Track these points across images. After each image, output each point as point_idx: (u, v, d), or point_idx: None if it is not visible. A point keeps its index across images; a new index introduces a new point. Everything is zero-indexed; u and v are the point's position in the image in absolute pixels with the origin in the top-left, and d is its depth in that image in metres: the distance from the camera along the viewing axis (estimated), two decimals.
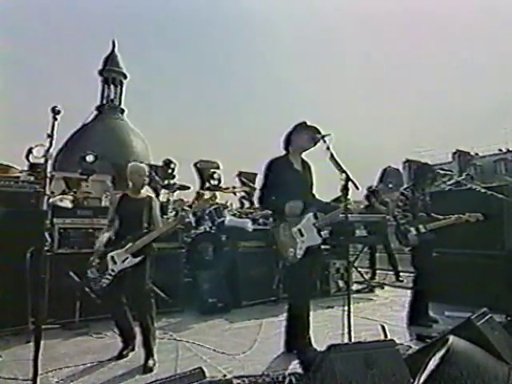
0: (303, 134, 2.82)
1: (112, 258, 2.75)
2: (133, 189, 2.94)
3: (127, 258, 2.73)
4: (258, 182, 6.91)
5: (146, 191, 3.12)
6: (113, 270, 2.73)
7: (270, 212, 3.10)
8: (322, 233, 2.87)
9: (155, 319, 2.81)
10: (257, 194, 2.86)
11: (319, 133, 2.76)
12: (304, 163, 2.94)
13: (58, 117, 2.27)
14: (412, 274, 6.33)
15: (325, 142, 2.58)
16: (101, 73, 26.65)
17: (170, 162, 6.24)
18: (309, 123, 2.83)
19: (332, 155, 2.50)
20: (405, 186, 3.88)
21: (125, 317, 2.84)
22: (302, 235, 2.73)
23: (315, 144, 2.83)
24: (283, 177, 2.76)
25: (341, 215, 2.74)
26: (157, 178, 5.77)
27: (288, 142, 2.90)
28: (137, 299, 2.76)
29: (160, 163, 6.26)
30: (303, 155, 2.97)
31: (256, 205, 6.39)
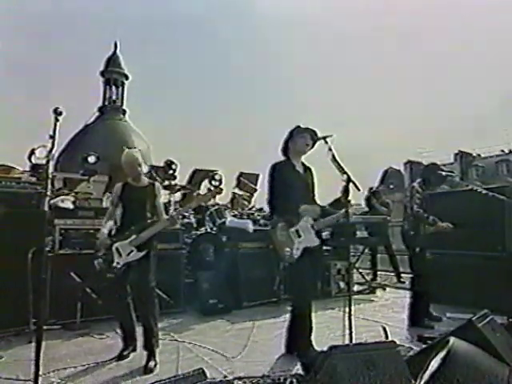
0: (298, 138, 2.87)
1: (117, 249, 2.75)
2: (131, 178, 2.92)
3: (132, 251, 2.72)
4: (261, 184, 6.93)
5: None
6: (118, 263, 2.73)
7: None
8: (323, 234, 2.89)
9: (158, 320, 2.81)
10: (267, 200, 2.88)
11: (315, 135, 2.81)
12: (305, 166, 2.99)
13: (60, 118, 2.28)
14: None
15: (326, 142, 2.59)
16: (102, 74, 26.69)
17: (172, 162, 6.24)
18: (303, 126, 2.87)
19: (334, 156, 2.51)
20: (417, 182, 3.71)
21: (128, 314, 2.83)
22: (299, 236, 2.75)
23: (313, 146, 2.89)
24: (286, 179, 2.80)
25: (342, 218, 2.76)
26: (158, 178, 5.77)
27: (286, 148, 2.95)
28: (140, 297, 2.75)
29: (162, 164, 6.27)
30: (303, 159, 3.00)
31: (260, 207, 6.41)
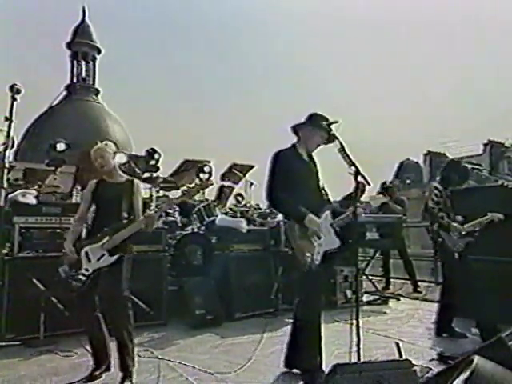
0: (314, 134, 2.87)
1: (86, 254, 2.74)
2: (106, 174, 2.92)
3: (103, 256, 2.72)
4: (257, 177, 6.92)
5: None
6: (87, 270, 2.72)
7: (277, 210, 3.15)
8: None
9: (134, 334, 2.80)
10: (265, 189, 2.86)
11: (332, 140, 2.78)
12: (309, 154, 3.01)
13: (18, 97, 2.25)
14: (431, 284, 6.38)
15: (330, 130, 2.59)
16: (69, 46, 26.12)
17: (154, 151, 6.21)
18: (327, 124, 2.84)
19: (342, 146, 2.51)
20: (436, 180, 3.81)
21: (98, 328, 2.82)
22: (319, 237, 2.73)
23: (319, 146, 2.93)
24: (294, 169, 2.80)
25: (350, 215, 2.76)
26: (137, 170, 5.74)
27: (297, 131, 2.96)
28: (112, 308, 2.74)
29: (142, 153, 6.24)
30: None
31: (264, 202, 6.39)
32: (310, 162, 2.97)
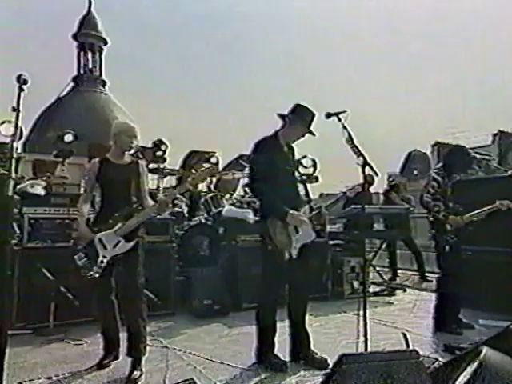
0: (294, 128, 2.86)
1: (101, 241, 2.68)
2: (116, 153, 2.82)
3: (119, 242, 2.68)
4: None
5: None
6: (104, 257, 2.66)
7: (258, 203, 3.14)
8: (335, 227, 2.92)
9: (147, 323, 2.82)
10: (247, 178, 2.88)
11: (312, 132, 2.87)
12: (289, 145, 2.98)
13: (25, 87, 2.23)
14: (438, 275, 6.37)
15: (339, 120, 2.57)
16: (75, 37, 26.04)
17: (161, 142, 6.21)
18: (310, 115, 2.83)
19: (350, 136, 2.50)
20: (435, 169, 3.72)
21: (113, 315, 2.82)
22: (297, 231, 2.77)
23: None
24: (274, 161, 2.77)
25: (356, 206, 2.79)
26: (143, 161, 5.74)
27: (284, 119, 2.91)
28: (128, 295, 2.71)
29: (149, 144, 6.24)
30: None
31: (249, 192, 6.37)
32: (289, 153, 2.95)
